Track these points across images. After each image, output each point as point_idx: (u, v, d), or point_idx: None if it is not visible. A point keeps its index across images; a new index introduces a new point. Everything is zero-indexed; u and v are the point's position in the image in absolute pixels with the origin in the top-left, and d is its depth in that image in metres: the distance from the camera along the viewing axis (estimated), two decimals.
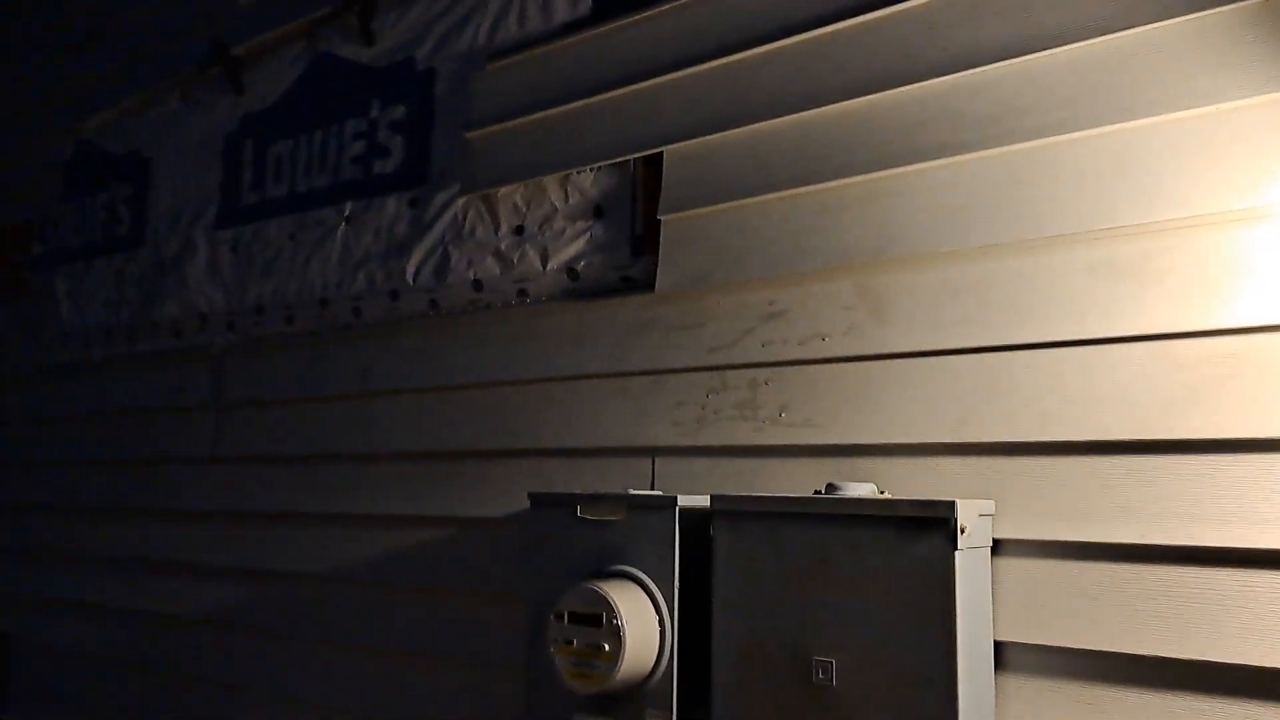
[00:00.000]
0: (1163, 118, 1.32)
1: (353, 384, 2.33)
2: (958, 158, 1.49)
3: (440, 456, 2.11)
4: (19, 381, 3.44)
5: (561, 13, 2.12)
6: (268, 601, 2.40)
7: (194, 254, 2.89)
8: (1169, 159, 1.31)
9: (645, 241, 1.88)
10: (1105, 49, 1.38)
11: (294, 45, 2.76)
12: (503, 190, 2.12)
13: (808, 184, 1.65)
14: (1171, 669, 1.23)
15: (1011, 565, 1.37)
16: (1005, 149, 1.44)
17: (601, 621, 1.51)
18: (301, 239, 2.59)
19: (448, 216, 2.24)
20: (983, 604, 1.34)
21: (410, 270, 2.28)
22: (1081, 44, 1.39)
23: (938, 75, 1.52)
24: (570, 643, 1.54)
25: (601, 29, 2.00)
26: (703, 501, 1.56)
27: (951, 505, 1.29)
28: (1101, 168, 1.36)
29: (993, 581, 1.37)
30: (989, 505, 1.37)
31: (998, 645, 1.35)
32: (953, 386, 1.45)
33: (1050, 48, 1.42)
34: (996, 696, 1.35)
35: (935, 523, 1.30)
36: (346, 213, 2.49)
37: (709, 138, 1.79)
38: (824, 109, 1.65)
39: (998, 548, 1.38)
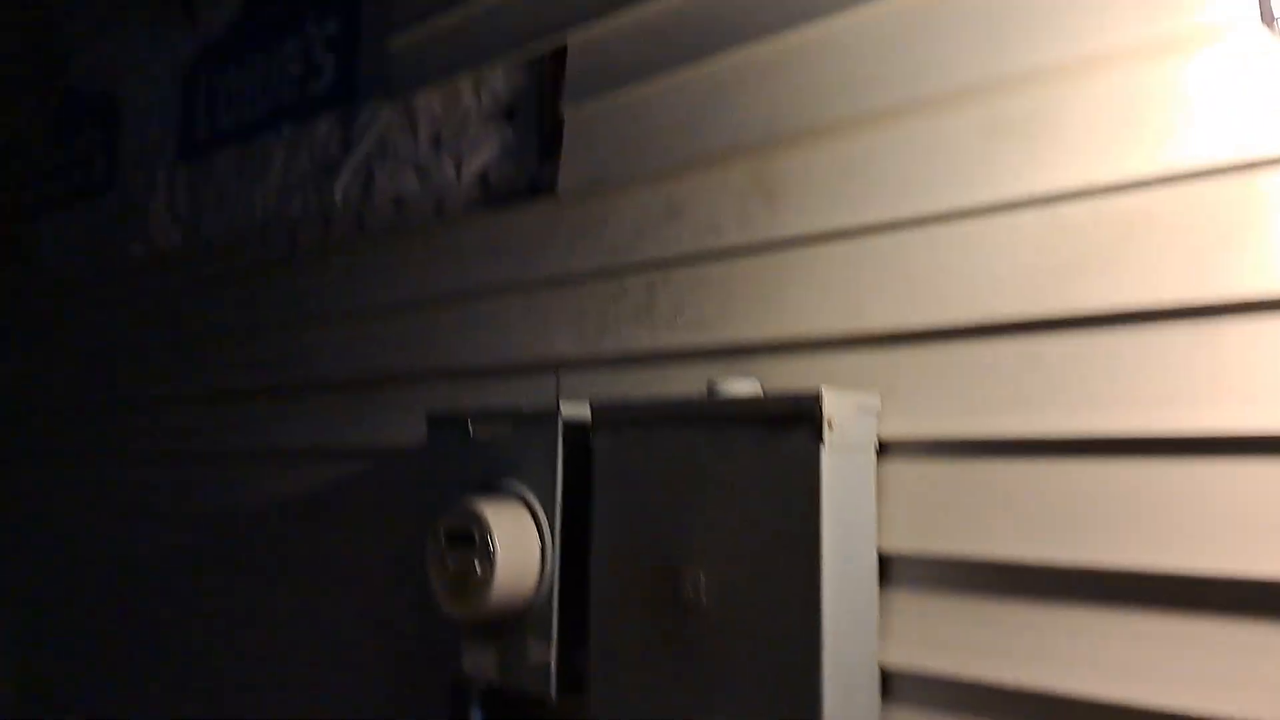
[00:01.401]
0: None
1: (289, 312, 2.25)
2: (849, 13, 1.32)
3: (363, 383, 2.03)
4: (9, 331, 3.47)
5: None
6: (214, 539, 2.35)
7: (155, 192, 2.84)
8: None
9: (553, 142, 1.74)
10: None
11: None
12: (421, 99, 2.00)
13: (703, 60, 1.49)
14: (1068, 577, 1.07)
15: (898, 468, 1.22)
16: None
17: (475, 541, 1.41)
18: (246, 167, 2.51)
19: (373, 132, 2.13)
20: (863, 510, 1.20)
21: (339, 191, 2.18)
22: None
23: None
24: (447, 563, 1.45)
25: None
26: (586, 411, 1.44)
27: (816, 397, 1.15)
28: (995, 6, 1.18)
29: (878, 486, 1.22)
30: (871, 399, 1.22)
31: (883, 557, 1.21)
32: (843, 272, 1.30)
33: None
34: (882, 613, 1.21)
35: (801, 418, 1.16)
36: (285, 136, 2.39)
37: (611, 19, 1.64)
38: None
39: (885, 449, 1.23)
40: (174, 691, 2.43)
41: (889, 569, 1.21)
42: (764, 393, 1.30)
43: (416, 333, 1.91)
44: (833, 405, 1.15)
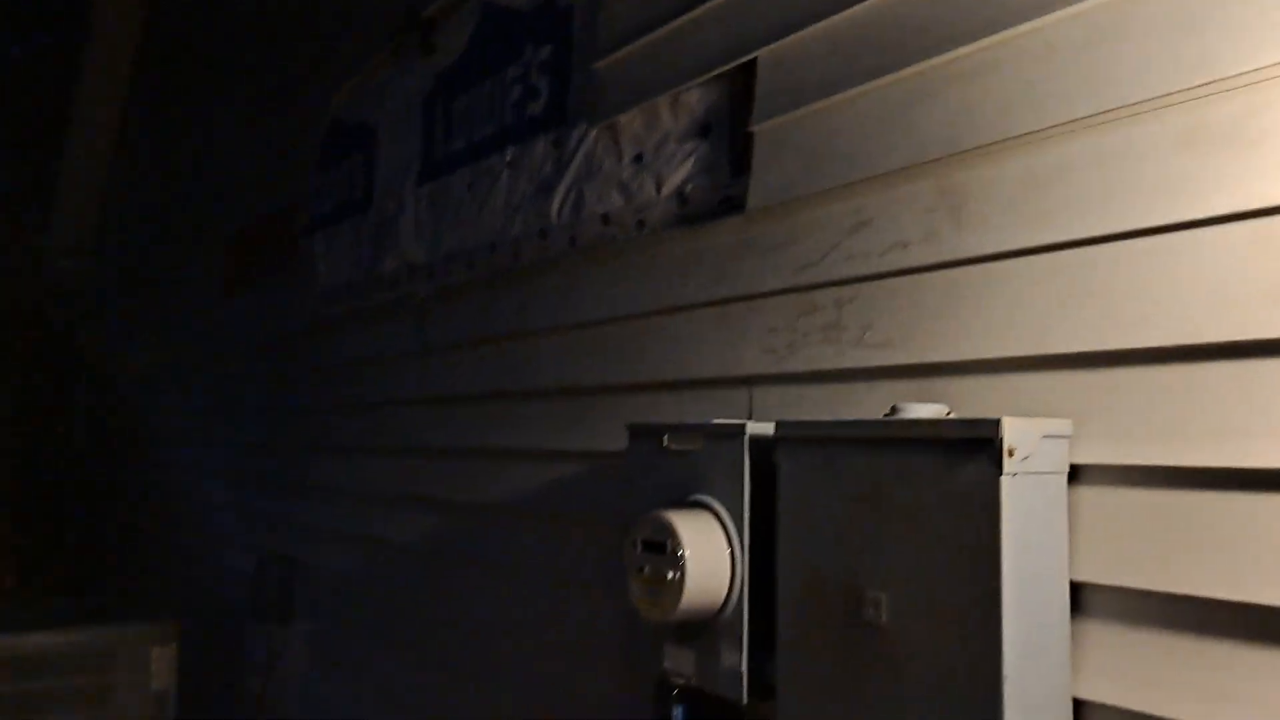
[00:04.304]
0: None
1: (514, 324, 2.43)
2: (1036, 22, 1.26)
3: (579, 391, 2.16)
4: (297, 337, 3.93)
5: None
6: (456, 530, 2.59)
7: (403, 211, 3.13)
8: None
9: (745, 158, 1.78)
10: None
11: (468, 1, 2.87)
12: (624, 118, 2.10)
13: (889, 72, 1.47)
14: (1275, 620, 1.00)
15: (1093, 495, 1.17)
16: (1087, 3, 1.20)
17: (666, 549, 1.49)
18: (476, 188, 2.72)
19: (582, 152, 2.25)
20: (1051, 539, 1.16)
21: (554, 209, 2.32)
22: None
23: None
24: (642, 570, 1.53)
25: None
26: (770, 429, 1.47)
27: (997, 423, 1.12)
28: (1192, 10, 1.10)
29: (1070, 513, 1.18)
30: (1061, 425, 1.18)
31: (1075, 586, 1.17)
32: (1033, 291, 1.25)
33: None
34: (1074, 644, 1.17)
35: (981, 444, 1.14)
36: (508, 158, 2.57)
37: (799, 34, 1.65)
38: None
39: (1077, 474, 1.18)
40: (403, 664, 2.70)
41: (1083, 599, 1.17)
42: (949, 417, 1.28)
43: (622, 346, 2.01)
44: (1015, 432, 1.12)
